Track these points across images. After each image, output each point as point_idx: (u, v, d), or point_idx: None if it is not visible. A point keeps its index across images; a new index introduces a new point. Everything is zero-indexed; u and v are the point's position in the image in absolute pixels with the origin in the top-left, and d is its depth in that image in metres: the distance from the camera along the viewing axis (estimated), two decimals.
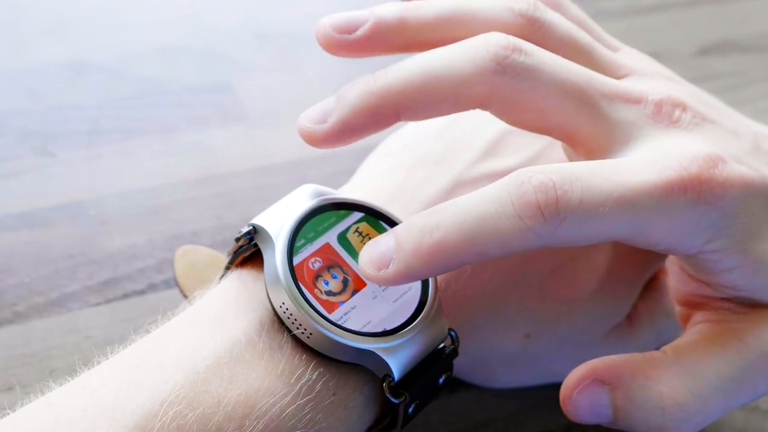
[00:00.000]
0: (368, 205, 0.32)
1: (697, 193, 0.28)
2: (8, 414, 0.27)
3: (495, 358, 0.36)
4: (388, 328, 0.29)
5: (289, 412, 0.27)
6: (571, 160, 0.33)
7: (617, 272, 0.35)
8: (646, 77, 0.33)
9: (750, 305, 0.31)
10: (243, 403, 0.27)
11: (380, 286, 0.30)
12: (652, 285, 0.37)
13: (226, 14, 0.55)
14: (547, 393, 0.38)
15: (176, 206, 0.43)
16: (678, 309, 0.33)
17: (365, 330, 0.29)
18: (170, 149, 0.46)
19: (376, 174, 0.37)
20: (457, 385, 0.38)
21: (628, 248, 0.35)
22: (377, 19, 0.31)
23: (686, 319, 0.32)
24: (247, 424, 0.27)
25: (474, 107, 0.30)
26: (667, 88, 0.32)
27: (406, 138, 0.38)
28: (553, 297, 0.34)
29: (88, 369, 0.28)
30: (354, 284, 0.30)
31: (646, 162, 0.28)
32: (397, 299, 0.30)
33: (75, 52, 0.50)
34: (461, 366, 0.34)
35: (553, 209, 0.26)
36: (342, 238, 0.31)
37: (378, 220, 0.32)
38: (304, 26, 0.55)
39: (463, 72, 0.29)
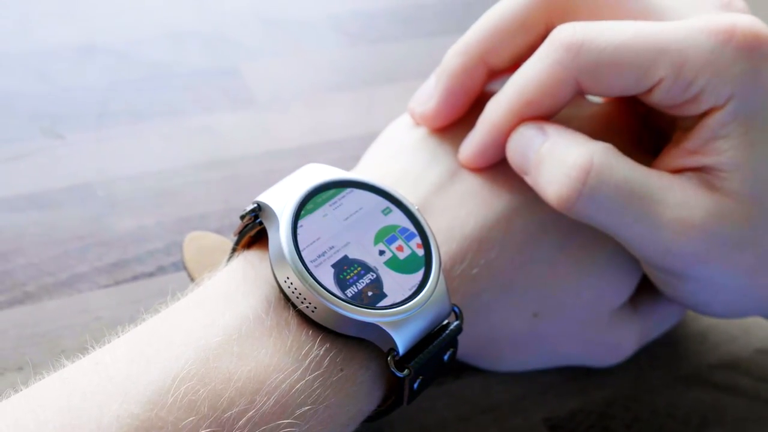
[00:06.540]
0: (368, 183, 0.32)
1: (741, 42, 0.31)
2: (21, 390, 0.27)
3: (503, 339, 0.36)
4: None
5: (298, 388, 0.27)
6: None
7: (622, 249, 0.35)
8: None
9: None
10: (253, 379, 0.27)
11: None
12: None
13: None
14: (552, 379, 0.38)
15: (185, 189, 0.43)
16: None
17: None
18: (178, 132, 0.46)
19: (381, 159, 0.37)
20: (462, 369, 0.38)
21: None
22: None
23: None
24: (258, 399, 0.27)
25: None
26: None
27: (408, 124, 0.38)
28: (561, 273, 0.35)
29: (100, 347, 0.28)
30: None
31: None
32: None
33: (83, 35, 0.49)
34: (468, 348, 0.35)
35: (571, 39, 0.32)
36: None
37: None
38: (309, 12, 0.55)
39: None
